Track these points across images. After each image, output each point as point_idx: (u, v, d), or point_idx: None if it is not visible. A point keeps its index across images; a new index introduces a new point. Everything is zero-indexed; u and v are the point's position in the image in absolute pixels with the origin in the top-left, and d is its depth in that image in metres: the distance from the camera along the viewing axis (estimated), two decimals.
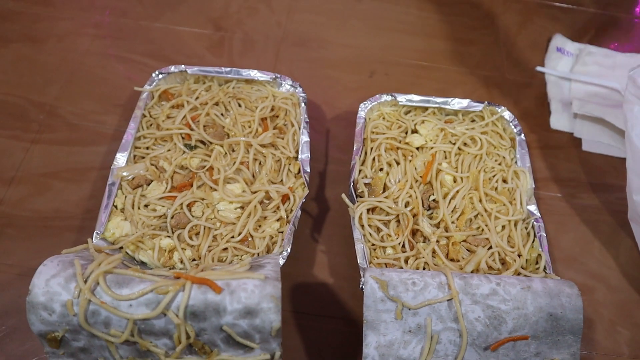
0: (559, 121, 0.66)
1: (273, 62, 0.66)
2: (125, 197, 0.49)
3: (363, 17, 0.72)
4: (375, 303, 0.41)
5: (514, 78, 0.69)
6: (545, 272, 0.47)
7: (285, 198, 0.50)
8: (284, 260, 0.45)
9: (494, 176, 0.53)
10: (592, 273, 0.55)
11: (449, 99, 0.57)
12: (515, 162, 0.55)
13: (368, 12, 0.73)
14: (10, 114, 0.58)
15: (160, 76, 0.57)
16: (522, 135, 0.57)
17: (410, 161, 0.52)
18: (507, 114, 0.58)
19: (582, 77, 0.69)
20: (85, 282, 0.34)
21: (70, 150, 0.56)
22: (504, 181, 0.53)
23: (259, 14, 0.71)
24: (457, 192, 0.50)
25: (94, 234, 0.46)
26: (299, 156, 0.52)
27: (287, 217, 0.49)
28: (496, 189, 0.52)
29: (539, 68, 0.71)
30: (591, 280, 0.54)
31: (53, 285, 0.34)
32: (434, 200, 0.50)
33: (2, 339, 0.45)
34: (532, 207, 0.52)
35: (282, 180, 0.51)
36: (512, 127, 0.57)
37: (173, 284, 0.34)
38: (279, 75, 0.57)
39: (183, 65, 0.57)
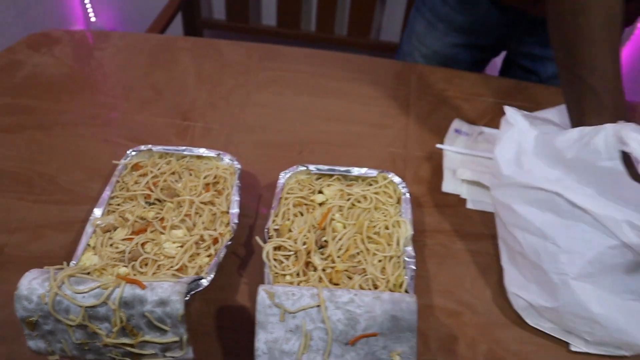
0: (448, 185, 0.83)
1: (224, 144, 0.85)
2: (97, 238, 0.66)
3: (300, 109, 0.92)
4: (264, 308, 0.56)
5: (417, 154, 0.87)
6: (406, 292, 0.63)
7: (215, 240, 0.67)
8: (207, 283, 0.60)
9: (377, 224, 0.69)
10: (462, 301, 0.69)
11: (351, 168, 0.75)
12: (400, 215, 0.72)
13: (304, 105, 0.93)
14: (19, 181, 0.77)
15: (133, 153, 0.76)
16: (407, 194, 0.73)
17: (311, 213, 0.70)
18: (396, 179, 0.75)
19: (469, 150, 0.87)
20: (55, 281, 0.51)
21: (63, 208, 0.75)
22: (387, 228, 0.70)
23: (219, 108, 0.91)
24: (344, 234, 0.67)
25: (71, 263, 0.63)
26: (230, 211, 0.69)
27: (215, 253, 0.65)
28: (379, 233, 0.69)
29: (438, 145, 0.89)
30: (460, 307, 0.68)
31: (33, 284, 0.51)
32: (325, 240, 0.67)
33: None
34: (409, 249, 0.67)
35: (215, 228, 0.69)
36: (400, 188, 0.74)
37: (113, 282, 0.51)
38: (221, 152, 0.76)
39: (150, 145, 0.76)
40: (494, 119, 0.95)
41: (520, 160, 0.68)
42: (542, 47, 1.05)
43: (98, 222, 0.68)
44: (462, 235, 0.76)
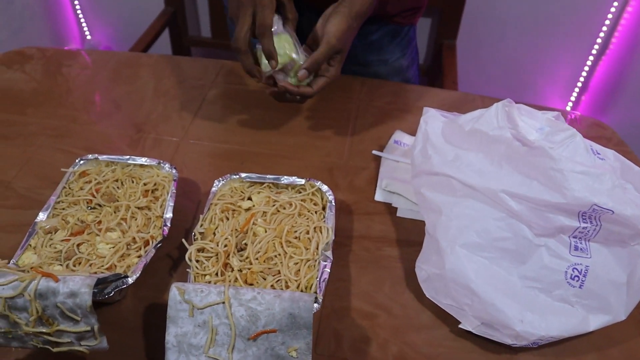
0: (380, 195, 0.88)
1: (172, 154, 0.91)
2: (39, 239, 0.72)
3: (246, 122, 0.98)
4: (175, 304, 0.61)
5: (355, 164, 0.92)
6: (316, 294, 0.67)
7: (146, 243, 0.72)
8: (132, 281, 0.66)
9: (298, 229, 0.74)
10: (379, 304, 0.73)
11: (280, 176, 0.81)
12: (324, 221, 0.77)
13: (251, 118, 0.99)
14: None
15: (82, 161, 0.82)
16: (333, 201, 0.79)
17: (236, 218, 0.75)
18: (324, 187, 0.80)
19: (404, 159, 0.92)
20: None
21: (16, 212, 0.81)
22: (307, 233, 0.75)
23: (171, 120, 0.98)
24: (264, 238, 0.72)
25: (11, 261, 0.69)
26: (164, 215, 0.75)
27: (144, 254, 0.71)
28: (298, 238, 0.74)
29: (374, 151, 0.94)
30: (377, 310, 0.72)
31: None
32: (245, 243, 0.72)
33: None
34: (328, 253, 0.72)
35: (149, 232, 0.74)
36: (327, 195, 0.79)
37: (30, 276, 0.57)
38: (161, 161, 0.82)
39: (97, 154, 0.83)
40: None
41: (426, 149, 0.77)
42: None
43: (43, 224, 0.74)
44: (389, 242, 0.81)
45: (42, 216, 0.75)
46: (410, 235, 0.82)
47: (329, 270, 0.70)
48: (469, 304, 0.66)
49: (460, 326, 0.69)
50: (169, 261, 0.76)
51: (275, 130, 0.97)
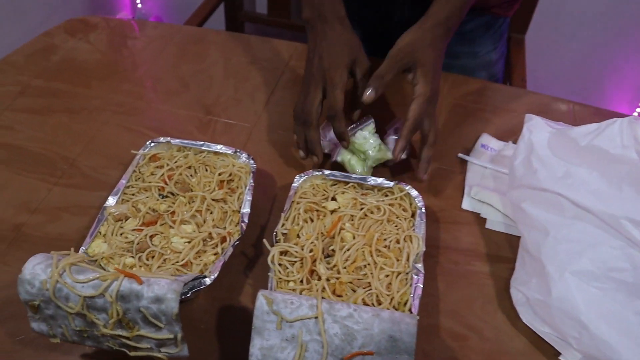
0: (468, 203, 0.81)
1: (244, 141, 0.85)
2: (109, 226, 0.67)
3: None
4: (262, 314, 0.55)
5: (438, 166, 0.85)
6: (410, 312, 0.61)
7: (223, 239, 0.67)
8: (210, 282, 0.61)
9: (388, 237, 0.68)
10: (469, 325, 0.67)
11: (367, 177, 0.74)
12: (413, 230, 0.70)
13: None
14: (43, 163, 0.79)
15: (152, 144, 0.76)
16: (423, 209, 0.72)
17: (321, 220, 0.69)
18: (413, 192, 0.73)
19: (494, 166, 0.84)
20: (57, 268, 0.51)
21: (81, 192, 0.76)
22: (397, 242, 0.68)
23: (242, 104, 0.91)
24: (353, 245, 0.66)
25: (80, 248, 0.64)
26: (241, 210, 0.69)
27: (222, 252, 0.65)
28: (388, 247, 0.67)
29: (460, 155, 0.86)
30: (467, 331, 0.66)
31: (37, 269, 0.52)
32: (332, 249, 0.66)
33: (3, 320, 0.62)
34: (419, 265, 0.66)
35: (225, 227, 0.69)
36: (417, 202, 0.73)
37: (111, 275, 0.51)
38: (238, 150, 0.76)
39: (169, 138, 0.77)
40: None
41: (530, 161, 0.70)
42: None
43: (112, 210, 0.68)
44: (478, 256, 0.74)
45: (111, 201, 0.69)
46: (500, 251, 0.75)
47: (422, 286, 0.63)
48: (577, 338, 0.59)
49: (560, 358, 0.62)
50: (244, 259, 0.70)
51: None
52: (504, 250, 0.75)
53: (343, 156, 0.79)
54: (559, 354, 0.63)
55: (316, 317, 0.55)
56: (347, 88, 0.76)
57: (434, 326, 0.66)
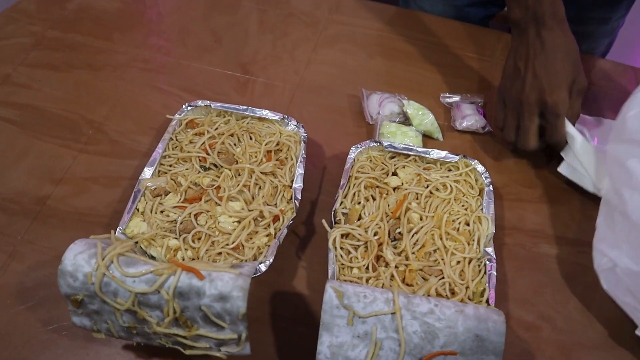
0: (565, 168, 0.70)
1: (287, 105, 0.77)
2: (147, 203, 0.60)
3: (373, 73, 0.83)
4: (331, 309, 0.49)
5: (499, 138, 0.78)
6: (488, 304, 0.55)
7: (276, 218, 0.60)
8: (265, 268, 0.54)
9: (457, 219, 0.61)
10: (541, 314, 0.61)
11: (429, 150, 0.67)
12: (481, 209, 0.64)
13: (378, 69, 0.83)
14: (66, 126, 0.71)
15: (189, 108, 0.68)
16: (491, 186, 0.65)
17: (384, 198, 0.62)
18: (479, 167, 0.66)
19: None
20: (103, 259, 0.45)
21: (110, 161, 0.68)
22: (467, 224, 0.62)
23: (282, 63, 0.82)
24: (421, 228, 0.59)
25: (117, 229, 0.57)
26: (293, 185, 0.62)
27: (275, 234, 0.58)
28: (458, 229, 0.61)
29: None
30: (539, 321, 0.61)
31: (79, 259, 0.45)
32: (399, 232, 0.59)
33: (34, 306, 0.56)
34: (489, 249, 0.60)
35: (276, 203, 0.62)
36: (483, 178, 0.66)
37: (167, 268, 0.44)
38: (286, 116, 0.68)
39: (208, 101, 0.68)
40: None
41: None
42: None
43: (148, 183, 0.61)
44: (546, 238, 0.68)
45: (147, 173, 0.62)
46: (568, 232, 0.69)
47: (495, 274, 0.57)
48: None
49: (637, 332, 0.57)
50: (294, 239, 0.64)
51: (409, 88, 0.81)
52: (571, 231, 0.69)
53: (384, 129, 0.72)
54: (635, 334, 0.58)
55: (393, 313, 0.49)
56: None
57: (505, 315, 0.60)
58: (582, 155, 0.68)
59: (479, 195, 0.65)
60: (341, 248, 0.57)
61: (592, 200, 0.68)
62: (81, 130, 0.71)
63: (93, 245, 0.46)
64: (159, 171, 0.63)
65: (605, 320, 0.60)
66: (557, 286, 0.64)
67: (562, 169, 0.71)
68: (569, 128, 0.68)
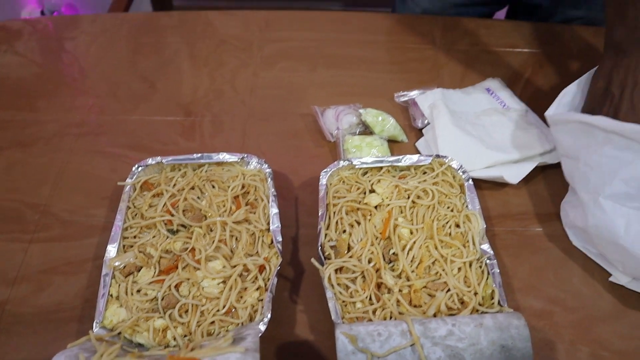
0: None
1: (241, 140, 0.72)
2: (119, 285, 0.54)
3: (321, 86, 0.79)
4: (347, 356, 0.46)
5: None
6: (500, 305, 0.53)
7: (262, 268, 0.56)
8: (265, 326, 0.50)
9: (447, 223, 0.59)
10: (549, 298, 0.60)
11: (400, 157, 0.64)
12: (467, 206, 0.61)
13: (325, 81, 0.80)
14: (7, 217, 0.64)
15: (140, 169, 0.63)
16: (470, 180, 0.63)
17: (369, 220, 0.58)
18: (454, 163, 0.64)
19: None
20: None
21: (66, 245, 0.62)
22: (457, 226, 0.59)
23: (225, 96, 0.78)
24: (414, 242, 0.56)
25: (94, 323, 0.51)
26: (271, 227, 0.58)
27: (265, 285, 0.54)
28: (450, 234, 0.58)
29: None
30: (549, 305, 0.59)
31: None
32: (393, 253, 0.56)
33: None
34: (485, 246, 0.58)
35: (257, 251, 0.57)
36: (460, 174, 0.64)
37: None
38: (245, 155, 0.64)
39: (159, 157, 0.63)
40: (535, 74, 0.83)
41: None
42: None
43: (116, 263, 0.56)
44: (532, 218, 0.67)
45: (111, 251, 0.56)
46: (552, 207, 0.68)
47: (499, 271, 0.55)
48: (621, 261, 0.57)
49: (610, 279, 0.60)
50: (285, 283, 0.60)
51: (354, 94, 0.78)
52: (554, 205, 0.68)
53: (347, 144, 0.69)
54: None
55: (412, 345, 0.46)
56: None
57: (515, 309, 0.58)
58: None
59: (460, 192, 0.63)
60: (338, 284, 0.54)
61: None
62: (25, 218, 0.64)
63: (75, 357, 0.41)
64: (124, 246, 0.58)
65: (614, 286, 0.60)
66: (557, 264, 0.63)
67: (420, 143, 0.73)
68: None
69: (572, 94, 0.64)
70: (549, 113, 0.62)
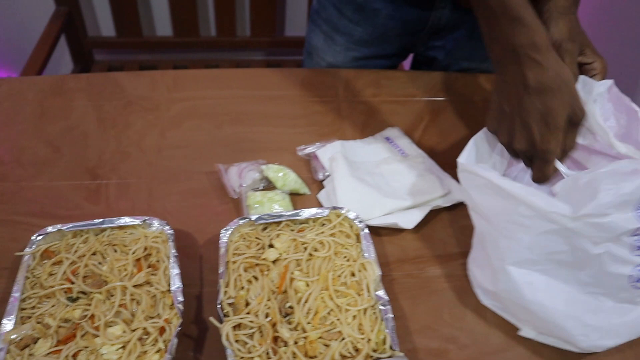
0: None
1: (146, 201, 0.73)
2: (15, 359, 0.54)
3: (226, 144, 0.82)
4: None
5: None
6: (392, 349, 0.56)
7: (162, 330, 0.57)
8: None
9: (342, 273, 0.62)
10: (444, 337, 0.63)
11: (299, 211, 0.67)
12: (363, 255, 0.65)
13: (230, 138, 0.83)
14: None
15: (39, 237, 0.63)
16: (366, 229, 0.67)
17: (267, 275, 0.61)
18: (351, 214, 0.68)
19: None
20: None
21: None
22: (353, 274, 0.63)
23: (131, 157, 0.79)
24: (310, 294, 0.59)
25: None
26: (171, 288, 0.59)
27: (165, 347, 0.55)
28: (346, 283, 0.61)
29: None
30: (444, 344, 0.63)
31: None
32: (290, 306, 0.59)
33: None
34: (381, 292, 0.61)
35: (158, 314, 0.58)
36: (357, 223, 0.67)
37: None
38: (147, 218, 0.65)
39: (59, 225, 0.64)
40: (432, 121, 0.89)
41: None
42: (448, 53, 1.01)
43: (12, 336, 0.55)
44: (429, 260, 0.71)
45: (7, 325, 0.56)
46: (447, 248, 0.73)
47: (392, 316, 0.59)
48: (529, 320, 0.61)
49: (519, 333, 0.63)
50: (189, 342, 0.61)
51: (257, 149, 0.81)
52: (449, 246, 0.73)
53: (250, 200, 0.72)
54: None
55: None
56: None
57: (412, 350, 0.62)
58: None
59: (357, 241, 0.66)
60: (236, 341, 0.55)
61: (461, 211, 0.73)
62: None
63: None
64: (22, 317, 0.57)
65: (503, 321, 0.64)
66: (451, 304, 0.67)
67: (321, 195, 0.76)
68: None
69: (484, 139, 0.66)
70: (460, 160, 0.62)
